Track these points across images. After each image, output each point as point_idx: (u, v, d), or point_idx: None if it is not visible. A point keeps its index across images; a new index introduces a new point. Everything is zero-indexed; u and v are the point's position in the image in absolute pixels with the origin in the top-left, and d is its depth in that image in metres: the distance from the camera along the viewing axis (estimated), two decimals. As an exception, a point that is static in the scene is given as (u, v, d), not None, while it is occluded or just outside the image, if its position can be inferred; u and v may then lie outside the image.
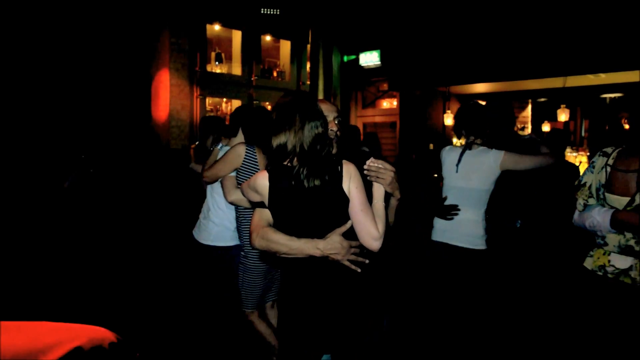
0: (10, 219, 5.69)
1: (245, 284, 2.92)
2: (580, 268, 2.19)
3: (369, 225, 1.76)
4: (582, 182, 2.21)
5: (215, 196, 3.19)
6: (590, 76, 8.13)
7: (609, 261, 2.06)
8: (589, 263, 2.15)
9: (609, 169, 2.10)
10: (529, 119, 10.31)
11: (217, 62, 9.11)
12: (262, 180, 1.84)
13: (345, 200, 1.77)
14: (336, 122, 2.04)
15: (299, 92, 1.90)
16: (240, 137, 3.15)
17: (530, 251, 3.50)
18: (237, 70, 9.38)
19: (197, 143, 4.17)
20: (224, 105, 9.54)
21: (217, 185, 3.12)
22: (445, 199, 3.04)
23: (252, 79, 9.35)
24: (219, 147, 3.29)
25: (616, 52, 7.00)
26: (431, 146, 9.88)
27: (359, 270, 1.77)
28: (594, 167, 2.18)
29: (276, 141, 1.78)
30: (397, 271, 4.58)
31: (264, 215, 1.88)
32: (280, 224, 1.84)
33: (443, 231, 3.05)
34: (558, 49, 7.51)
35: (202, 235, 3.20)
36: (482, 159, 2.97)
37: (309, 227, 1.79)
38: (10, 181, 6.21)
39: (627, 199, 2.03)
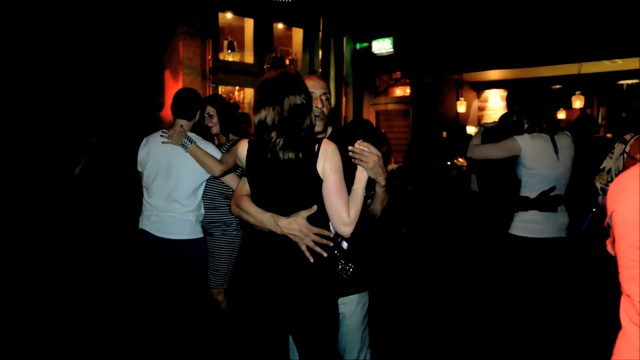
0: (19, 207, 5.78)
1: (225, 262, 3.06)
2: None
3: (340, 209, 1.71)
4: (601, 167, 2.25)
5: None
6: (607, 62, 7.98)
7: None
8: None
9: (625, 156, 2.14)
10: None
11: (229, 51, 9.15)
12: (242, 149, 1.86)
13: (317, 180, 1.73)
14: (323, 99, 1.97)
15: (283, 67, 1.89)
16: (193, 121, 2.98)
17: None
18: (249, 58, 9.41)
19: None
20: (236, 93, 9.60)
21: (181, 175, 2.88)
22: (553, 188, 2.73)
23: (265, 67, 9.36)
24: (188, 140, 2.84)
25: (633, 37, 6.85)
26: (444, 134, 9.82)
27: (312, 260, 1.73)
28: (613, 154, 2.22)
29: (257, 117, 1.78)
30: (397, 266, 4.60)
31: (246, 185, 1.91)
32: (253, 195, 1.87)
33: (548, 224, 2.78)
34: (573, 34, 7.38)
35: (170, 229, 2.91)
36: (569, 145, 2.81)
37: (278, 202, 1.78)
38: (20, 169, 6.31)
39: None
